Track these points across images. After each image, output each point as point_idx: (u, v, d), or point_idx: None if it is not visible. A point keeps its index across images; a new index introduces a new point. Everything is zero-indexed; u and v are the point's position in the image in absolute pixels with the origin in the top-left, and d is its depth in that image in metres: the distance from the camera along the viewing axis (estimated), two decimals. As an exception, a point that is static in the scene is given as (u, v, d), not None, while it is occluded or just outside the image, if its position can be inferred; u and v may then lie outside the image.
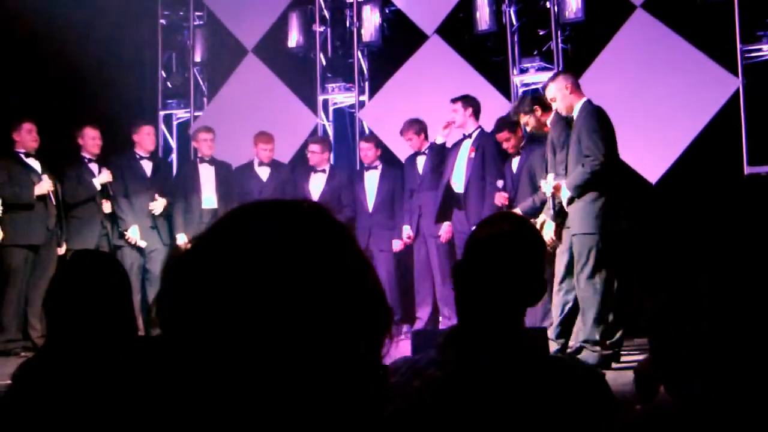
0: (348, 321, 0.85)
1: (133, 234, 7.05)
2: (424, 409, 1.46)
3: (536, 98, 5.91)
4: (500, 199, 6.20)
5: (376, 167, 7.35)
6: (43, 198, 6.67)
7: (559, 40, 7.77)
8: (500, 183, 6.26)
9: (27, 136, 6.75)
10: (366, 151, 7.35)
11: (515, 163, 6.36)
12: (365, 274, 0.89)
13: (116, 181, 7.11)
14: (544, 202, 5.70)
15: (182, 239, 7.15)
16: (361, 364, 0.86)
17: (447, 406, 1.47)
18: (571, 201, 5.05)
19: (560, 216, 5.27)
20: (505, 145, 6.42)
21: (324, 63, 8.78)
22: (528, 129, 5.98)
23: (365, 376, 0.86)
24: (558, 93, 5.23)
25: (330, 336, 0.83)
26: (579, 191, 4.99)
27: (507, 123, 6.43)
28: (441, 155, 6.73)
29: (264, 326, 0.81)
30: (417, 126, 7.05)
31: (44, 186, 6.63)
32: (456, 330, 1.66)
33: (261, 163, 7.48)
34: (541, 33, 7.93)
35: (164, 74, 9.42)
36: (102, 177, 7.01)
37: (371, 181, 7.33)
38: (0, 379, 4.83)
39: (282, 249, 0.84)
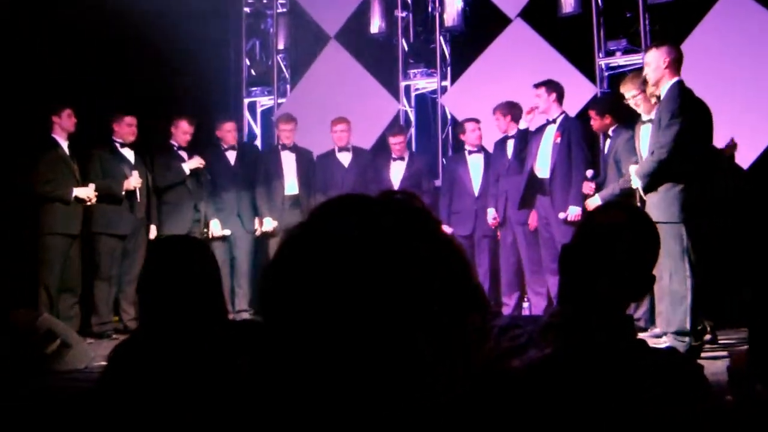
0: (441, 314, 0.85)
1: (215, 227, 7.22)
2: (524, 392, 1.46)
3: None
4: (587, 188, 6.11)
5: (479, 151, 7.27)
6: (131, 193, 6.85)
7: (647, 22, 7.57)
8: (589, 173, 6.17)
9: (126, 129, 6.94)
10: (473, 132, 7.22)
11: (607, 145, 6.28)
12: (457, 266, 0.90)
13: (205, 174, 7.27)
14: (624, 190, 5.59)
15: (269, 224, 7.27)
16: (455, 358, 0.86)
17: (548, 390, 1.46)
18: (647, 190, 4.91)
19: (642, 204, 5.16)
20: (591, 123, 6.44)
21: (406, 48, 8.78)
22: (634, 106, 5.70)
23: (460, 350, 0.87)
24: (654, 62, 4.94)
25: (418, 324, 0.84)
26: (647, 181, 4.85)
27: (596, 104, 6.45)
28: (524, 140, 6.66)
29: (359, 320, 0.82)
30: (502, 108, 6.95)
31: (132, 182, 6.81)
32: (559, 314, 1.64)
33: (341, 149, 7.50)
34: (627, 15, 7.75)
35: (248, 62, 9.57)
36: (192, 163, 7.18)
37: (475, 164, 7.24)
38: (95, 360, 5.04)
39: (376, 243, 0.85)
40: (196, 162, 7.17)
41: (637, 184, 5.04)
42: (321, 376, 0.84)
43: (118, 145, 6.96)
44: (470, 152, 7.27)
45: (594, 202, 5.95)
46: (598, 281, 1.60)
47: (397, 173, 7.36)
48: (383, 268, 0.84)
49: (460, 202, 7.15)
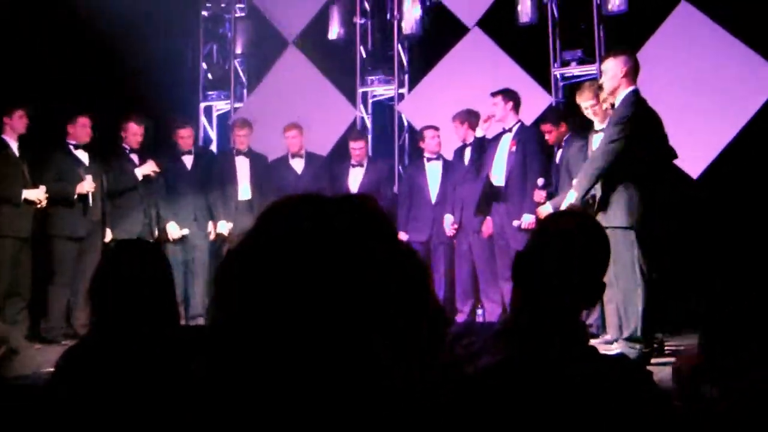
0: (397, 317, 0.85)
1: (173, 229, 7.16)
2: (477, 397, 1.46)
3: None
4: (538, 196, 6.17)
5: (438, 158, 7.29)
6: (84, 196, 6.75)
7: (601, 33, 7.69)
8: (540, 181, 6.23)
9: (81, 130, 6.85)
10: (432, 139, 7.23)
11: (559, 154, 6.34)
12: (414, 270, 0.90)
13: (158, 177, 7.21)
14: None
15: (223, 227, 7.27)
16: (410, 360, 0.86)
17: (500, 396, 1.47)
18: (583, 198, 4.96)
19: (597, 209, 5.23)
20: (546, 137, 6.48)
21: (364, 55, 8.79)
22: (590, 115, 5.75)
23: (414, 370, 0.87)
24: (611, 71, 4.99)
25: (377, 332, 0.84)
26: (583, 191, 4.90)
27: (552, 114, 6.52)
28: (481, 148, 6.70)
29: (313, 321, 0.82)
30: (461, 116, 6.98)
31: (85, 186, 6.71)
32: (512, 320, 1.65)
33: (294, 155, 7.49)
34: (582, 26, 7.85)
35: (205, 66, 9.50)
36: (144, 168, 7.11)
37: (434, 171, 7.25)
38: (43, 366, 4.94)
39: (332, 243, 0.85)
40: (149, 167, 7.10)
41: (571, 200, 5.07)
42: (275, 379, 0.83)
43: (72, 146, 6.86)
44: (429, 159, 7.29)
45: (545, 209, 5.99)
46: (550, 288, 1.61)
47: (355, 180, 7.36)
48: (338, 269, 0.84)
49: (418, 209, 7.17)
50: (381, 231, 0.90)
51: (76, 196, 6.69)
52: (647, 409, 1.50)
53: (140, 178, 7.08)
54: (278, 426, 0.83)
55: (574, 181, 5.14)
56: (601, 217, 5.02)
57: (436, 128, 7.30)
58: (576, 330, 1.64)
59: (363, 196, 0.94)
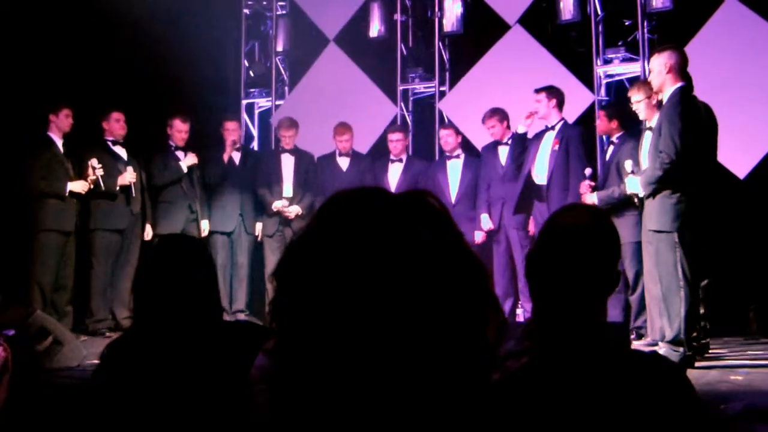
0: (454, 308, 0.84)
1: (204, 227, 7.24)
2: (503, 401, 1.45)
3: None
4: (584, 187, 6.11)
5: (458, 156, 7.27)
6: (126, 188, 6.87)
7: (645, 30, 7.58)
8: (588, 171, 6.17)
9: (115, 125, 6.99)
10: (446, 138, 7.28)
11: (610, 151, 6.29)
12: (470, 260, 0.89)
13: (209, 172, 7.30)
14: (623, 195, 5.61)
15: (258, 228, 7.41)
16: (472, 352, 0.85)
17: (526, 398, 1.45)
18: (653, 197, 4.91)
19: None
20: (597, 123, 6.54)
21: (405, 53, 8.78)
22: (641, 115, 5.71)
23: (476, 365, 0.86)
24: (656, 68, 4.95)
25: (435, 324, 0.83)
26: (651, 189, 4.85)
27: (608, 106, 6.67)
28: (522, 145, 6.65)
29: (374, 316, 0.81)
30: (500, 114, 6.96)
31: (127, 177, 6.85)
32: (532, 321, 1.64)
33: (341, 154, 7.54)
34: (626, 23, 7.76)
35: (247, 63, 9.56)
36: (188, 160, 7.21)
37: (454, 170, 7.24)
38: (88, 358, 5.02)
39: (395, 240, 0.84)
40: (192, 158, 7.21)
41: (636, 190, 5.07)
42: (333, 379, 0.82)
43: (110, 143, 6.98)
44: (448, 158, 7.29)
45: (591, 199, 5.97)
46: (563, 284, 1.59)
47: (394, 176, 7.37)
48: (400, 265, 0.83)
49: None
50: (442, 228, 0.89)
51: (118, 188, 6.79)
52: (680, 411, 1.48)
53: (185, 170, 7.18)
54: (342, 424, 0.82)
55: (632, 177, 5.16)
56: (646, 218, 4.98)
57: (451, 126, 7.36)
58: (599, 327, 1.62)
59: (425, 192, 0.93)
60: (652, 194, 4.87)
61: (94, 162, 6.64)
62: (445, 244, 0.87)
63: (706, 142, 4.88)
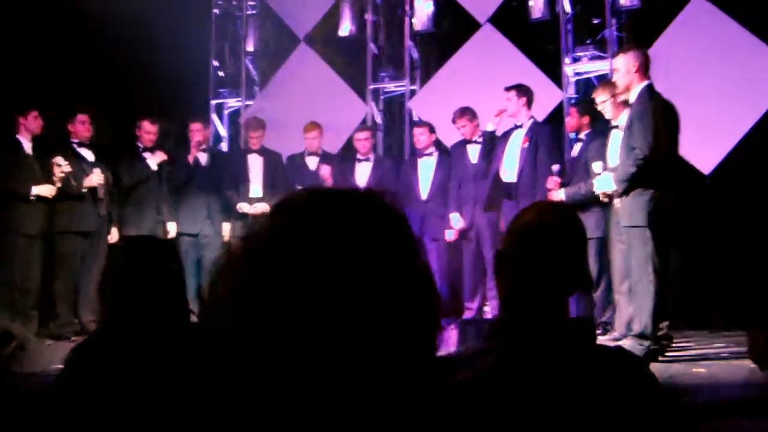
0: (400, 309, 0.84)
1: (171, 229, 7.19)
2: (470, 401, 1.45)
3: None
4: (551, 183, 6.15)
5: (430, 154, 7.26)
6: (93, 190, 6.79)
7: (614, 28, 7.65)
8: (556, 167, 6.21)
9: (80, 127, 6.91)
10: (418, 136, 7.27)
11: (577, 149, 6.34)
12: (416, 260, 0.88)
13: (171, 175, 7.25)
14: (590, 193, 5.65)
15: (225, 229, 7.34)
16: (414, 351, 0.85)
17: (493, 397, 1.46)
18: (626, 193, 4.95)
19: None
20: (567, 120, 6.62)
21: (375, 52, 8.78)
22: (606, 114, 5.78)
23: (419, 365, 0.86)
24: (623, 67, 5.01)
25: (381, 324, 0.83)
26: (625, 186, 4.90)
27: (580, 103, 6.77)
28: (491, 143, 6.68)
29: (317, 314, 0.81)
30: (470, 113, 6.95)
31: (94, 179, 6.77)
32: (500, 320, 1.65)
33: (309, 153, 7.51)
34: (595, 21, 7.82)
35: (217, 63, 9.51)
36: (157, 157, 7.17)
37: (426, 168, 7.23)
38: (52, 362, 4.96)
39: (336, 238, 0.84)
40: (161, 156, 7.17)
41: (607, 188, 5.11)
42: (286, 376, 0.82)
43: (75, 145, 6.91)
44: (419, 156, 7.30)
45: (558, 195, 6.01)
46: (532, 281, 1.60)
47: (362, 175, 7.36)
48: (343, 263, 0.82)
49: (409, 206, 7.14)
50: (387, 225, 0.88)
51: (85, 190, 6.71)
52: (642, 404, 1.49)
53: (154, 167, 7.13)
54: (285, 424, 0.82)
55: (602, 175, 5.19)
56: (619, 214, 5.03)
57: (424, 125, 7.34)
58: (565, 324, 1.63)
59: (371, 190, 0.92)
60: (626, 191, 4.91)
61: (59, 160, 6.55)
62: (394, 248, 0.87)
63: (674, 139, 4.95)
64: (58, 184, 6.57)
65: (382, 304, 0.82)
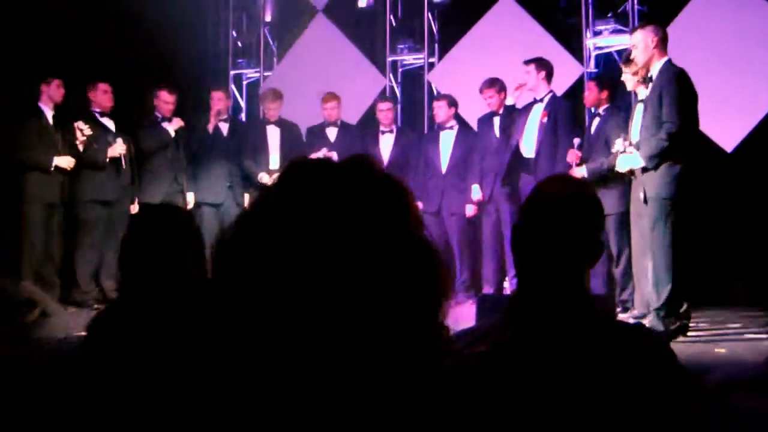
0: (398, 278, 0.84)
1: (190, 199, 7.21)
2: (487, 374, 1.46)
3: None
4: (572, 156, 6.12)
5: (451, 128, 7.23)
6: (116, 160, 6.84)
7: (635, 2, 7.55)
8: (577, 141, 6.18)
9: (102, 96, 6.94)
10: (437, 109, 7.24)
11: (595, 124, 6.29)
12: (415, 229, 0.88)
13: (190, 141, 7.26)
14: (612, 168, 5.61)
15: (246, 199, 7.34)
16: (418, 321, 0.85)
17: (510, 371, 1.46)
18: (657, 168, 4.91)
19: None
20: (586, 94, 6.53)
21: (394, 23, 8.72)
22: (629, 87, 5.73)
23: (423, 335, 0.86)
24: (641, 43, 4.99)
25: (382, 293, 0.83)
26: (656, 162, 4.86)
27: (599, 77, 6.71)
28: (510, 117, 6.64)
29: (315, 285, 0.81)
30: (499, 84, 6.87)
31: (117, 149, 6.82)
32: (518, 294, 1.65)
33: (328, 124, 7.50)
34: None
35: (235, 34, 9.48)
36: (174, 123, 7.18)
37: (446, 141, 7.20)
38: (75, 329, 5.02)
39: (329, 207, 0.83)
40: (178, 122, 7.19)
41: (632, 165, 5.06)
42: (276, 348, 0.82)
43: (97, 114, 6.92)
44: (441, 129, 7.26)
45: (580, 171, 5.99)
46: (548, 255, 1.60)
47: (386, 147, 7.36)
48: (341, 233, 0.82)
49: (429, 179, 7.14)
50: (384, 192, 0.88)
51: (107, 160, 6.75)
52: (662, 380, 1.49)
53: (173, 134, 7.15)
54: (282, 401, 0.82)
55: (625, 155, 5.14)
56: (638, 191, 5.00)
57: (443, 98, 7.29)
58: (583, 299, 1.63)
59: (368, 158, 0.92)
60: (656, 167, 4.87)
61: (80, 124, 6.59)
62: (391, 212, 0.86)
63: (696, 114, 4.92)
64: (81, 148, 6.60)
65: (377, 276, 0.82)
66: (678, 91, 4.82)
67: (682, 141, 4.80)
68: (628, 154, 5.20)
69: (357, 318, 0.82)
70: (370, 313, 0.82)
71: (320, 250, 0.82)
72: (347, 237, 0.82)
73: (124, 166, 6.88)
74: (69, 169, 6.59)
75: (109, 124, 6.98)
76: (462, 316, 4.57)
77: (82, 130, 6.58)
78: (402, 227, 0.86)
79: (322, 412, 0.81)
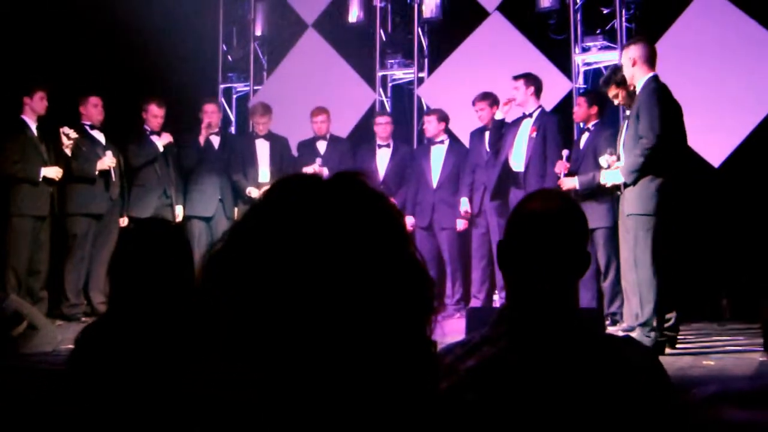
0: (384, 292, 0.84)
1: (179, 212, 7.19)
2: (477, 387, 1.46)
3: None
4: (560, 167, 6.16)
5: (442, 142, 7.27)
6: (105, 173, 6.82)
7: (624, 19, 7.62)
8: (566, 152, 6.22)
9: (93, 110, 6.94)
10: (428, 124, 7.27)
11: (584, 139, 6.32)
12: (401, 245, 0.89)
13: (185, 155, 7.27)
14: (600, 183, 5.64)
15: (236, 213, 7.36)
16: (405, 336, 0.85)
17: (500, 383, 1.47)
18: (635, 183, 4.95)
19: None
20: (575, 109, 6.55)
21: (384, 38, 8.76)
22: (616, 102, 5.81)
23: (410, 349, 0.86)
24: (625, 60, 5.08)
25: (366, 308, 0.83)
26: (634, 177, 4.90)
27: (588, 93, 6.68)
28: (499, 132, 6.67)
29: (301, 301, 0.81)
30: (491, 98, 6.91)
31: (106, 161, 6.81)
32: (506, 308, 1.66)
33: (318, 138, 7.52)
34: (605, 11, 7.78)
35: (225, 48, 9.49)
36: (163, 139, 7.17)
37: (437, 156, 7.25)
38: (63, 343, 4.99)
39: (318, 222, 0.84)
40: (167, 138, 7.18)
41: (615, 181, 5.09)
42: (265, 353, 0.83)
43: (87, 127, 6.92)
44: (432, 143, 7.30)
45: (571, 182, 6.03)
46: (535, 269, 1.61)
47: (382, 161, 7.40)
48: (328, 248, 0.83)
49: (420, 193, 7.17)
50: (375, 209, 0.89)
51: (97, 173, 6.74)
52: (652, 393, 1.50)
53: (161, 149, 7.13)
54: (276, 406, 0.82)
55: (619, 163, 5.17)
56: (624, 202, 5.03)
57: (434, 112, 7.34)
58: (571, 312, 1.63)
59: (355, 173, 0.92)
60: (634, 182, 4.91)
61: (65, 129, 6.58)
62: (379, 228, 0.87)
63: (681, 129, 4.96)
64: (69, 152, 6.57)
65: (363, 290, 0.83)
66: (653, 105, 4.84)
67: (660, 155, 4.81)
68: (613, 170, 5.24)
69: (343, 331, 0.82)
70: (357, 327, 0.82)
71: (309, 266, 0.82)
72: (336, 252, 0.83)
73: (113, 179, 6.86)
74: (57, 179, 6.58)
75: (100, 137, 6.98)
76: (451, 329, 4.58)
77: (68, 134, 6.57)
78: (390, 243, 0.87)
79: (306, 426, 0.81)
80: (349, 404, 0.82)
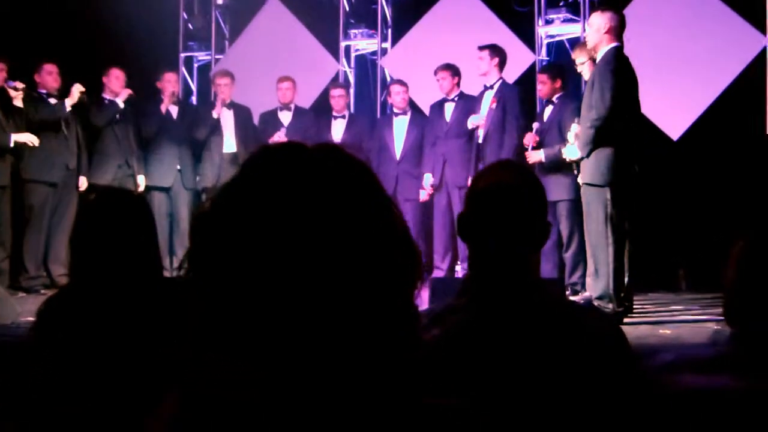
0: (375, 262, 0.85)
1: (140, 182, 7.12)
2: (442, 356, 1.48)
3: None
4: (529, 139, 6.21)
5: (405, 113, 7.27)
6: (62, 140, 6.70)
7: (587, -9, 7.64)
8: (536, 125, 6.26)
9: (48, 78, 6.81)
10: (396, 95, 7.24)
11: (547, 112, 6.36)
12: (390, 214, 0.89)
13: (146, 124, 7.17)
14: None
15: (196, 182, 7.37)
16: (393, 305, 0.86)
17: (464, 352, 1.49)
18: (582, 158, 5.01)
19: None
20: (539, 87, 6.57)
21: (347, 9, 8.69)
22: (579, 70, 5.87)
23: (397, 318, 0.87)
24: (595, 25, 5.04)
25: (357, 277, 0.84)
26: (588, 150, 4.93)
27: (550, 68, 6.72)
28: (469, 104, 6.70)
29: (292, 269, 0.82)
30: (453, 69, 6.92)
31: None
32: (469, 278, 1.67)
33: (283, 108, 7.46)
34: (568, -17, 7.79)
35: (186, 16, 9.34)
36: (123, 94, 7.05)
37: (400, 127, 7.24)
38: (23, 315, 4.94)
39: (305, 191, 0.84)
40: (126, 92, 7.06)
41: (575, 155, 5.14)
42: (258, 336, 0.83)
43: (44, 94, 6.79)
44: (395, 114, 7.27)
45: (537, 155, 6.09)
46: (495, 241, 1.62)
47: (337, 132, 7.35)
48: (318, 216, 0.83)
49: (383, 165, 7.16)
50: (350, 175, 0.89)
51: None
52: (611, 359, 1.53)
53: (122, 105, 7.01)
54: (257, 383, 0.82)
55: (572, 138, 5.18)
56: (580, 178, 5.09)
57: (403, 83, 7.30)
58: (532, 281, 1.66)
59: (331, 143, 0.93)
60: (588, 154, 4.95)
61: (10, 82, 6.46)
62: (364, 195, 0.87)
63: (635, 101, 4.98)
64: (17, 103, 6.44)
65: (354, 259, 0.83)
66: (608, 77, 4.85)
67: (611, 127, 4.83)
68: (571, 145, 5.29)
69: (332, 300, 0.82)
70: (345, 296, 0.83)
71: (301, 235, 0.82)
72: (325, 220, 0.83)
73: (71, 147, 6.70)
74: (31, 144, 6.43)
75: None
76: (417, 300, 4.60)
77: (14, 86, 6.44)
78: (378, 213, 0.88)
79: (295, 400, 0.81)
80: (334, 372, 0.82)
